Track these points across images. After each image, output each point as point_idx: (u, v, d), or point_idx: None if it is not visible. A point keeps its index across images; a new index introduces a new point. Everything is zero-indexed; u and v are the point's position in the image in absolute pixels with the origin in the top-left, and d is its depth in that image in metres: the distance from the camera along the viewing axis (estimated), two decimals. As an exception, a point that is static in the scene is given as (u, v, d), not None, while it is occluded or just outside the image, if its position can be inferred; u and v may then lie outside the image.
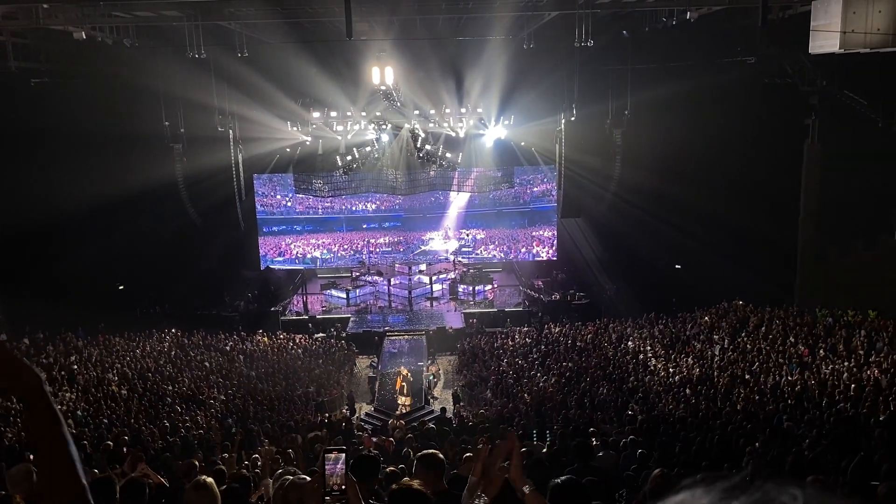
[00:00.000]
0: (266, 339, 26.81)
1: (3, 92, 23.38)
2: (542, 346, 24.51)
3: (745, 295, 25.64)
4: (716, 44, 25.25)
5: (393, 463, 9.70)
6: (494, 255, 35.63)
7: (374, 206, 35.32)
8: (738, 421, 13.04)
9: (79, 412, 16.85)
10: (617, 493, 7.29)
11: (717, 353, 21.03)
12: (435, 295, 33.22)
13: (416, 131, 30.22)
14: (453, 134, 31.28)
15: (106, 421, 16.07)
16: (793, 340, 20.71)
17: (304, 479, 3.59)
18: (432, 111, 30.48)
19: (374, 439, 14.23)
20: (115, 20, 21.51)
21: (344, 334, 28.66)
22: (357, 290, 32.96)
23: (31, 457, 4.81)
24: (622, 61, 27.60)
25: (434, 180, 32.55)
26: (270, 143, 31.00)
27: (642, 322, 25.94)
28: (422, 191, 33.03)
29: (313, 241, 34.97)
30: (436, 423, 16.65)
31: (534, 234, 35.17)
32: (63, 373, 20.23)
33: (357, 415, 21.90)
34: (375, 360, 26.95)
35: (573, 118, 29.52)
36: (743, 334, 22.28)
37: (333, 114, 30.82)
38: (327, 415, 19.23)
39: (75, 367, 20.95)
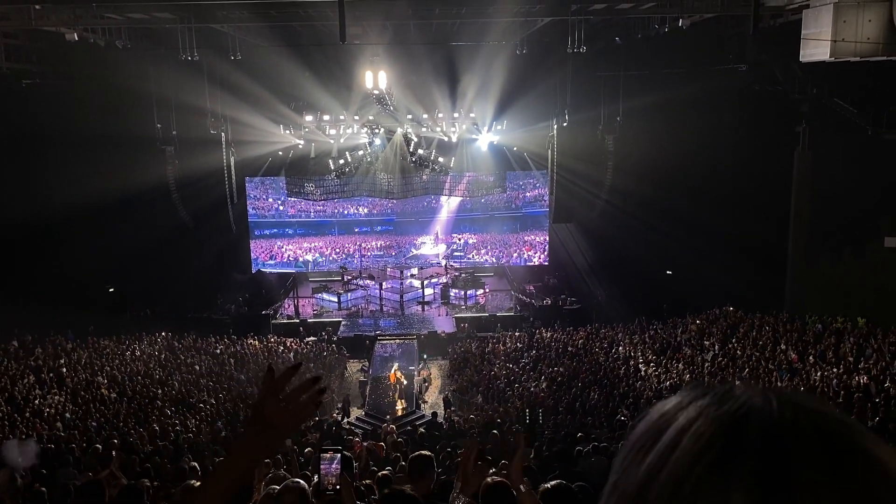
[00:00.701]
0: (257, 342, 26.68)
1: (-6, 93, 23.33)
2: (534, 351, 24.53)
3: (735, 301, 25.77)
4: (707, 51, 25.45)
5: (384, 467, 9.69)
6: (486, 260, 35.62)
7: (366, 210, 35.27)
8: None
9: (67, 415, 16.76)
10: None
11: (707, 359, 21.12)
12: (426, 299, 33.17)
13: (409, 135, 30.22)
14: (446, 138, 31.30)
15: (95, 424, 15.98)
16: (783, 347, 20.82)
17: (298, 482, 3.61)
18: (425, 115, 30.48)
19: (365, 444, 14.18)
20: (108, 22, 21.40)
21: (335, 338, 28.53)
22: (348, 294, 32.87)
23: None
24: (614, 68, 27.74)
25: (427, 184, 32.56)
26: (263, 146, 30.92)
27: (633, 328, 26.01)
28: (415, 195, 33.01)
29: (305, 244, 34.89)
30: (427, 427, 16.64)
31: (525, 238, 35.21)
32: (52, 375, 20.11)
33: (348, 419, 21.81)
34: (367, 364, 26.87)
35: (565, 124, 29.67)
36: (733, 340, 22.38)
37: (326, 117, 30.79)
38: (317, 419, 19.15)
39: (64, 369, 20.81)
